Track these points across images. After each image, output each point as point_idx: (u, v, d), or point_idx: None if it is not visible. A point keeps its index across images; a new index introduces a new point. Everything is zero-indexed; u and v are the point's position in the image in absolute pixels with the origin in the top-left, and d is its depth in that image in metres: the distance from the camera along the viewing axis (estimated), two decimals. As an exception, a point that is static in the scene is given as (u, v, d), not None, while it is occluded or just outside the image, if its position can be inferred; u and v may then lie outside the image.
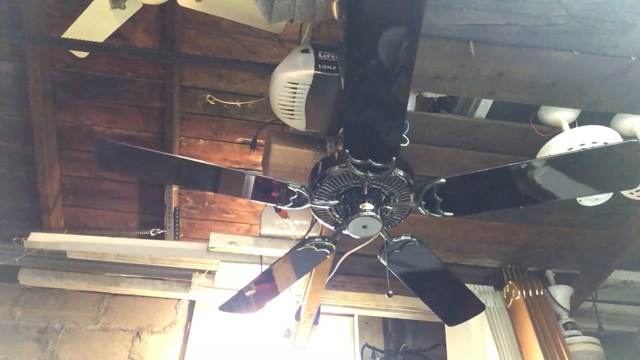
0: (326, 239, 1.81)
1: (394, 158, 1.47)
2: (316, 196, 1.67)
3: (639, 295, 3.35)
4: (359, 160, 1.48)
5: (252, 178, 1.67)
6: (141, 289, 3.37)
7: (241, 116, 3.61)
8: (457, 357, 2.99)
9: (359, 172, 1.51)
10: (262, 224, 2.96)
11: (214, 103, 3.06)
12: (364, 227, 1.66)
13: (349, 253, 2.44)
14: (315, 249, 1.84)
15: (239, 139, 3.72)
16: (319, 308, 3.14)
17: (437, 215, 1.63)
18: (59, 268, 3.18)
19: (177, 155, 1.76)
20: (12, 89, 3.33)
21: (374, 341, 3.75)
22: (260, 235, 3.02)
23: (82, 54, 2.92)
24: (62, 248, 2.93)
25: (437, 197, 1.60)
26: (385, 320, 3.83)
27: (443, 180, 1.55)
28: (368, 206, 1.62)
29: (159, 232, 3.76)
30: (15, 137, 3.50)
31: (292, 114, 2.06)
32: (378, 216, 1.63)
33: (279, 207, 1.84)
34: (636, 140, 1.31)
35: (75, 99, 3.50)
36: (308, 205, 1.70)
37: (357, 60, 1.22)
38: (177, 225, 3.75)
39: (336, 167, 1.57)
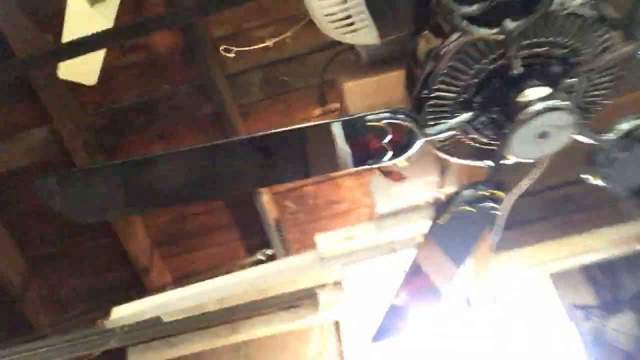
0: (486, 186, 1.02)
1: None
2: (430, 114, 0.92)
3: None
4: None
5: (338, 126, 0.99)
6: (267, 328, 2.74)
7: (305, 83, 2.85)
8: None
9: (487, 31, 0.77)
10: (376, 201, 2.16)
11: (233, 55, 2.27)
12: (542, 135, 0.87)
13: (516, 195, 1.53)
14: (473, 209, 1.06)
15: (317, 111, 2.95)
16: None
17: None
18: (161, 335, 2.62)
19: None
20: (53, 157, 2.90)
21: (578, 298, 2.79)
22: (381, 217, 2.21)
23: (90, 81, 2.35)
24: (154, 313, 2.33)
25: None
26: (585, 268, 2.82)
27: None
28: (537, 92, 0.83)
29: (269, 254, 3.13)
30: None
31: (352, 23, 1.31)
32: (566, 103, 0.83)
33: (384, 164, 1.05)
34: None
35: (123, 137, 2.98)
36: (422, 139, 0.94)
37: None
38: (283, 238, 3.07)
39: (454, 37, 0.85)
